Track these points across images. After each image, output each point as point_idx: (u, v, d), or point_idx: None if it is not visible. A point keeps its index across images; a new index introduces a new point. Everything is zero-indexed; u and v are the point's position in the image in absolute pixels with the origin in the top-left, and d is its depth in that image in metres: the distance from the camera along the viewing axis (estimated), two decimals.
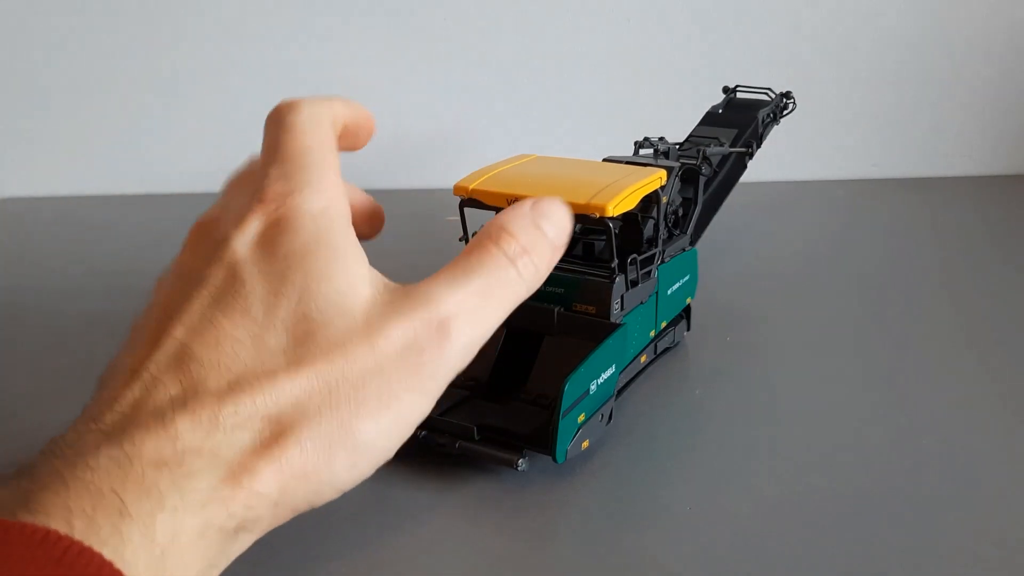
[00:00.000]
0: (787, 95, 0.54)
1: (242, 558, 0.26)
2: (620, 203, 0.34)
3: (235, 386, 0.26)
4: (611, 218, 0.34)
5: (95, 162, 0.74)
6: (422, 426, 0.33)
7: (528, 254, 0.31)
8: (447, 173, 0.45)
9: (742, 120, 0.51)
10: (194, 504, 0.23)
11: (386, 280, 0.29)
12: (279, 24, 0.71)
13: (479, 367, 0.35)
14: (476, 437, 0.34)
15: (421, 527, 0.32)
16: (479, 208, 0.36)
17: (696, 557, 0.30)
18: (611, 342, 0.35)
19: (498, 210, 0.36)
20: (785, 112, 0.54)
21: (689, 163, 0.44)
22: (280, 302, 0.28)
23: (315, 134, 0.31)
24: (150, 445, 0.24)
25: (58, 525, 0.21)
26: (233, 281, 0.28)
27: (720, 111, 0.53)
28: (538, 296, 0.35)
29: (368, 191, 0.35)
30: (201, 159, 0.74)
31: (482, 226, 0.31)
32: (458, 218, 0.38)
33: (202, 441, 0.25)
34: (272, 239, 0.29)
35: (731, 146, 0.49)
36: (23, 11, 0.70)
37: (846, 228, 0.64)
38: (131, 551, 0.21)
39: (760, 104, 0.53)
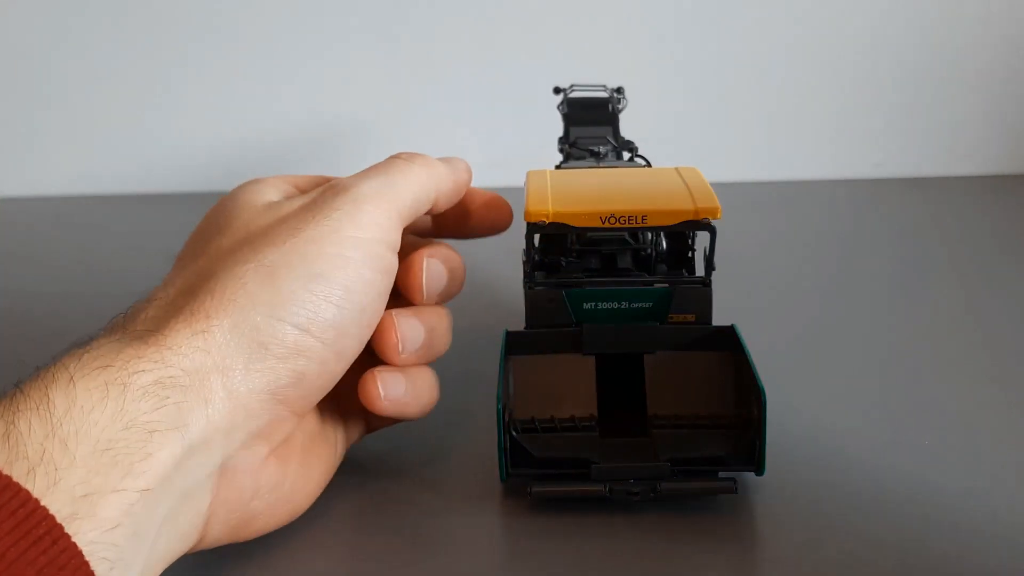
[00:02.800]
0: (619, 90, 0.51)
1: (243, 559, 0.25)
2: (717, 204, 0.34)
3: (158, 289, 0.29)
4: (717, 220, 0.33)
5: (95, 162, 0.74)
6: (599, 479, 0.31)
7: (415, 154, 0.34)
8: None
9: (603, 117, 0.49)
10: (91, 368, 0.24)
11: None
12: (278, 25, 0.71)
13: (581, 404, 0.33)
14: (671, 474, 0.31)
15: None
16: (557, 232, 0.34)
17: (699, 558, 0.30)
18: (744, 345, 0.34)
19: (592, 230, 0.34)
20: (620, 108, 0.51)
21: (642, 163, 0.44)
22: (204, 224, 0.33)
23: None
24: (71, 352, 0.25)
25: None
26: None
27: (568, 111, 0.50)
28: (624, 316, 0.35)
29: None
30: (201, 159, 0.74)
31: None
32: None
33: (115, 332, 0.27)
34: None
35: (614, 142, 0.46)
36: (22, 10, 0.70)
37: (846, 228, 0.63)
38: (24, 420, 0.22)
39: (604, 100, 0.51)
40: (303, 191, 0.33)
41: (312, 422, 0.31)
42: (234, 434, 0.27)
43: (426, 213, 0.35)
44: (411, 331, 0.32)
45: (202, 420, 0.25)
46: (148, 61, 0.72)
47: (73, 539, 0.21)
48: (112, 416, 0.23)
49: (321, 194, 0.31)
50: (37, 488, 0.21)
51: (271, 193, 0.33)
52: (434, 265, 0.33)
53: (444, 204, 0.35)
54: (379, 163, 0.34)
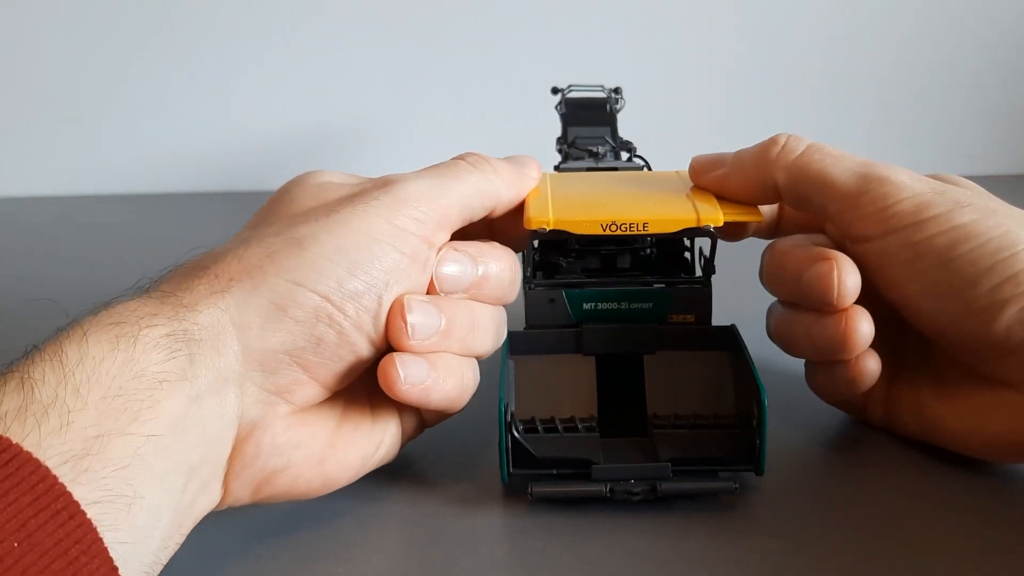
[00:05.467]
0: (617, 91, 0.51)
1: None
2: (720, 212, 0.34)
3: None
4: (718, 227, 0.33)
5: (95, 162, 0.74)
6: (600, 479, 0.31)
7: (484, 158, 0.34)
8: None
9: (601, 118, 0.49)
10: (104, 324, 0.25)
11: None
12: (278, 26, 0.71)
13: (581, 404, 0.33)
14: (671, 475, 0.31)
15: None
16: (556, 239, 0.34)
17: (699, 558, 0.30)
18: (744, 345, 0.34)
19: (591, 238, 0.34)
20: (618, 108, 0.50)
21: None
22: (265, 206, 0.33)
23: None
24: (89, 313, 0.26)
25: None
26: None
27: (566, 111, 0.50)
28: (624, 316, 0.35)
29: None
30: (201, 159, 0.74)
31: None
32: None
33: (138, 294, 0.27)
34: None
35: (612, 142, 0.46)
36: (21, 10, 0.70)
37: None
38: (38, 370, 0.24)
39: (602, 101, 0.50)
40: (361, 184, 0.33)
41: (358, 401, 0.32)
42: (247, 387, 0.27)
43: (486, 217, 0.34)
44: (424, 316, 0.30)
45: (212, 371, 0.26)
46: (148, 61, 0.72)
47: (86, 474, 0.22)
48: (122, 366, 0.24)
49: (368, 185, 0.32)
50: (50, 427, 0.22)
51: (330, 178, 0.33)
52: (452, 255, 0.32)
53: (504, 210, 0.35)
54: (441, 163, 0.33)
